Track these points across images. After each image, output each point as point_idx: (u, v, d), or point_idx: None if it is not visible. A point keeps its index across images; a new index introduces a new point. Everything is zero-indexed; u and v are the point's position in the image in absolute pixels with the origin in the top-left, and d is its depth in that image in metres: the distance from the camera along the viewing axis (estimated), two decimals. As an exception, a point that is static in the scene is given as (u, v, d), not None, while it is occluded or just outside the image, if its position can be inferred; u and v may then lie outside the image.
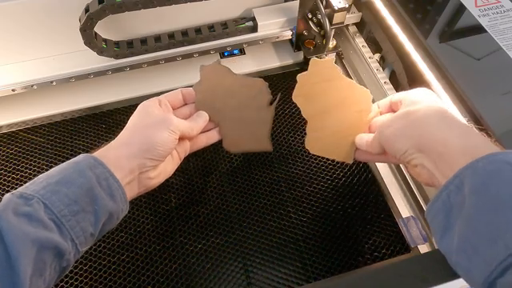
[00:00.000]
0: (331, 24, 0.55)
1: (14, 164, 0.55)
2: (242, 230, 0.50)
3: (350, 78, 0.63)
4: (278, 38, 0.62)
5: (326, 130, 0.45)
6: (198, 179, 0.54)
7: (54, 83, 0.56)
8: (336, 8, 0.53)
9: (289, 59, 0.66)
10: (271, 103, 0.48)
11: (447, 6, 0.54)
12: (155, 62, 0.59)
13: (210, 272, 0.47)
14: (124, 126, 0.41)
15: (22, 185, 0.33)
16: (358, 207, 0.51)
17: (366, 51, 0.62)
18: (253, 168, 0.55)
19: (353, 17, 0.63)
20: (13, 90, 0.55)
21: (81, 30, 0.50)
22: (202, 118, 0.45)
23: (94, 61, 0.56)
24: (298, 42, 0.62)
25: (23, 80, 0.55)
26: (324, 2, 0.55)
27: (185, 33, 0.59)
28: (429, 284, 0.31)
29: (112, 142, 0.39)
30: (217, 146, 0.52)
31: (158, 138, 0.39)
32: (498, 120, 0.42)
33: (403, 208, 0.52)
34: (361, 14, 0.63)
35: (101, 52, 0.54)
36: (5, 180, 0.54)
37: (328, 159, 0.55)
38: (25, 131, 0.59)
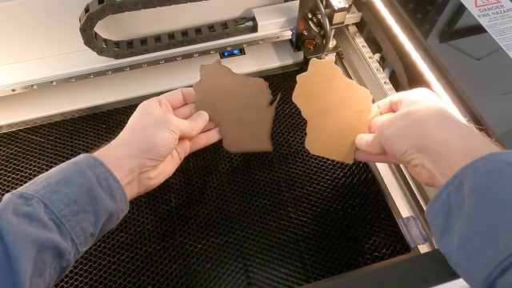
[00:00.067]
0: (331, 24, 0.55)
1: (14, 164, 0.55)
2: (242, 230, 0.50)
3: (350, 78, 0.63)
4: (277, 38, 0.62)
5: (326, 130, 0.45)
6: (197, 179, 0.54)
7: (54, 83, 0.56)
8: (336, 8, 0.53)
9: (289, 59, 0.66)
10: (271, 103, 0.48)
11: (447, 6, 0.54)
12: (155, 62, 0.59)
13: (210, 272, 0.47)
14: (124, 126, 0.41)
15: (21, 185, 0.33)
16: (358, 207, 0.51)
17: (366, 51, 0.62)
18: (253, 168, 0.55)
19: (353, 17, 0.63)
20: (13, 90, 0.55)
21: (81, 30, 0.50)
22: (202, 117, 0.45)
23: (94, 61, 0.56)
24: (298, 42, 0.62)
25: (23, 80, 0.55)
26: (324, 2, 0.55)
27: (185, 33, 0.59)
28: (429, 284, 0.31)
29: (112, 141, 0.39)
30: (217, 146, 0.52)
31: (158, 137, 0.39)
32: (498, 120, 0.42)
33: (403, 208, 0.52)
34: (361, 14, 0.63)
35: (101, 52, 0.54)
36: (5, 180, 0.54)
37: (328, 159, 0.55)
38: (25, 131, 0.59)
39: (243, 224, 0.50)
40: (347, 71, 0.65)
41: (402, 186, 0.54)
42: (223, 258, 0.48)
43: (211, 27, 0.60)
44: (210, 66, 0.47)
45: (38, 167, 0.55)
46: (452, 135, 0.33)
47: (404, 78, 0.56)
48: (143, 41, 0.58)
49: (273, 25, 0.60)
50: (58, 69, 0.56)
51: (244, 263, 0.47)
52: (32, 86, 0.56)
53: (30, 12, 0.52)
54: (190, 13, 0.58)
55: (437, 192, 0.32)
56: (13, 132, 0.58)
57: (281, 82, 0.63)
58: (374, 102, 0.44)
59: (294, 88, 0.45)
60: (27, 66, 0.56)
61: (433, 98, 0.38)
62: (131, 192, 0.39)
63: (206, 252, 0.48)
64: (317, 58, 0.46)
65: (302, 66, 0.66)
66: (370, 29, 0.63)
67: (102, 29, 0.53)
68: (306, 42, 0.61)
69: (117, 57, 0.56)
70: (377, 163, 0.56)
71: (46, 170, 0.35)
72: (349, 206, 0.52)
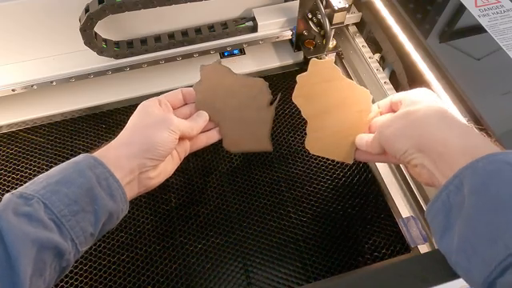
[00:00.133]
0: (331, 24, 0.55)
1: (14, 164, 0.55)
2: (242, 230, 0.50)
3: (350, 78, 0.63)
4: (278, 38, 0.62)
5: (326, 130, 0.45)
6: (197, 179, 0.54)
7: (54, 83, 0.56)
8: (336, 8, 0.53)
9: (289, 59, 0.66)
10: (271, 103, 0.48)
11: (447, 6, 0.54)
12: (155, 62, 0.59)
13: (210, 272, 0.47)
14: (124, 126, 0.41)
15: (21, 185, 0.33)
16: (358, 207, 0.51)
17: (366, 51, 0.62)
18: (253, 168, 0.55)
19: (353, 17, 0.63)
20: (13, 90, 0.55)
21: (81, 30, 0.50)
22: (202, 117, 0.45)
23: (94, 61, 0.56)
24: (298, 42, 0.62)
25: (23, 80, 0.55)
26: (324, 2, 0.55)
27: (185, 33, 0.59)
28: (429, 284, 0.31)
29: (112, 141, 0.39)
30: (217, 146, 0.52)
31: (158, 137, 0.39)
32: (498, 120, 0.42)
33: (403, 208, 0.52)
34: (361, 14, 0.63)
35: (101, 52, 0.54)
36: (5, 180, 0.54)
37: (328, 159, 0.55)
38: (25, 131, 0.59)
39: (243, 224, 0.50)
40: (347, 71, 0.65)
41: (402, 185, 0.54)
42: (223, 258, 0.48)
43: (211, 27, 0.60)
44: (210, 66, 0.47)
45: (38, 167, 0.55)
46: (452, 135, 0.33)
47: (404, 78, 0.56)
48: (143, 41, 0.58)
49: (273, 25, 0.60)
50: (58, 69, 0.56)
51: (244, 263, 0.47)
52: (32, 86, 0.56)
53: (30, 12, 0.52)
54: (190, 13, 0.58)
55: (437, 192, 0.32)
56: (13, 132, 0.58)
57: (281, 82, 0.63)
58: (374, 102, 0.44)
59: (293, 88, 0.44)
60: (27, 66, 0.56)
61: (433, 98, 0.38)
62: (131, 192, 0.39)
63: (206, 252, 0.48)
64: (317, 58, 0.46)
65: (302, 66, 0.66)
66: (370, 29, 0.63)
67: (102, 29, 0.53)
68: (306, 42, 0.61)
69: (117, 57, 0.56)
70: (377, 163, 0.56)
71: (46, 169, 0.35)
72: (349, 206, 0.52)
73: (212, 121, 0.47)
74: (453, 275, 0.31)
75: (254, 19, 0.60)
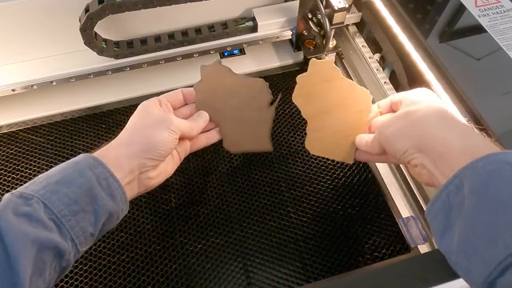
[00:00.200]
0: (331, 24, 0.55)
1: (14, 164, 0.55)
2: (242, 230, 0.50)
3: (350, 78, 0.63)
4: (278, 38, 0.62)
5: (326, 131, 0.45)
6: (197, 179, 0.54)
7: (54, 83, 0.56)
8: (336, 8, 0.53)
9: (289, 59, 0.66)
10: (271, 103, 0.48)
11: (447, 6, 0.54)
12: (155, 62, 0.59)
13: (210, 272, 0.47)
14: (124, 126, 0.41)
15: (21, 185, 0.33)
16: (358, 207, 0.51)
17: (366, 51, 0.62)
18: (253, 168, 0.55)
19: (353, 17, 0.63)
20: (13, 90, 0.55)
21: (81, 30, 0.50)
22: (203, 117, 0.45)
23: (94, 61, 0.56)
24: (298, 42, 0.62)
25: (23, 80, 0.55)
26: (324, 2, 0.55)
27: (185, 33, 0.59)
28: (429, 284, 0.31)
29: (112, 141, 0.39)
30: (217, 146, 0.52)
31: (158, 137, 0.39)
32: (498, 120, 0.42)
33: (403, 208, 0.52)
34: (361, 14, 0.63)
35: (101, 52, 0.54)
36: (5, 180, 0.54)
37: (328, 159, 0.55)
38: (25, 131, 0.59)
39: (243, 224, 0.50)
40: (347, 71, 0.65)
41: (402, 185, 0.54)
42: (223, 258, 0.48)
43: (211, 27, 0.60)
44: (210, 66, 0.47)
45: (38, 167, 0.55)
46: (452, 135, 0.33)
47: (404, 77, 0.56)
48: (143, 41, 0.58)
49: (273, 25, 0.60)
50: (58, 69, 0.56)
51: (244, 263, 0.47)
52: (32, 86, 0.56)
53: (30, 12, 0.52)
54: (190, 13, 0.58)
55: (437, 192, 0.32)
56: (13, 132, 0.58)
57: (281, 82, 0.63)
58: (374, 101, 0.44)
59: (293, 88, 0.44)
60: (27, 66, 0.56)
61: (433, 98, 0.38)
62: (131, 192, 0.39)
63: (206, 252, 0.48)
64: (317, 58, 0.46)
65: (302, 66, 0.66)
66: (370, 29, 0.63)
67: (102, 29, 0.53)
68: (306, 42, 0.61)
69: (117, 57, 0.56)
70: (377, 163, 0.56)
71: (46, 169, 0.35)
72: (349, 206, 0.52)
73: (212, 121, 0.47)
74: (453, 275, 0.31)
75: (253, 19, 0.60)
